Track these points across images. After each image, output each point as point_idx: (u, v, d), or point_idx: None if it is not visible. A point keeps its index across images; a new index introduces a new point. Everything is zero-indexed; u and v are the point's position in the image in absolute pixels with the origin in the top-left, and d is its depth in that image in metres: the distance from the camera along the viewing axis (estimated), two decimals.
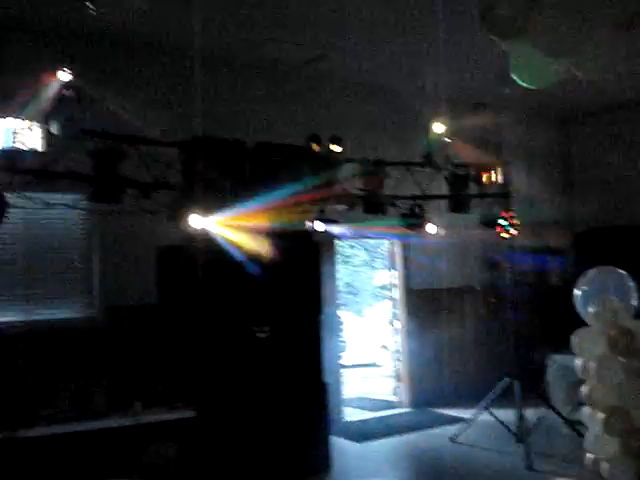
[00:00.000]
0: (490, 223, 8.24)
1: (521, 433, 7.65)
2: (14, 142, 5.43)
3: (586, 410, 5.92)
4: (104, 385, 6.51)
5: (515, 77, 4.49)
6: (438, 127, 7.60)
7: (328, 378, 7.63)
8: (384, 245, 10.99)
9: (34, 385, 6.59)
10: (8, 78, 6.79)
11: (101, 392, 6.37)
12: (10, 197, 5.34)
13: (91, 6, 5.57)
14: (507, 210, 8.13)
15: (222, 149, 6.58)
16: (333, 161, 7.21)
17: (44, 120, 5.59)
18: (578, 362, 5.89)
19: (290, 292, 7.14)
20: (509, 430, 7.99)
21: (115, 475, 5.94)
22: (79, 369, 6.92)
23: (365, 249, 21.11)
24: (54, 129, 5.62)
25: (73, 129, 5.75)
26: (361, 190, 7.49)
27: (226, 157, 6.59)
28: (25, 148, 5.46)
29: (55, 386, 6.32)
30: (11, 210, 5.33)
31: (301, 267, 7.30)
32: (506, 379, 8.04)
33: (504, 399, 8.04)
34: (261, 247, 6.73)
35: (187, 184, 6.42)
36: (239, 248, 6.58)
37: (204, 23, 7.19)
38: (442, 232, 8.28)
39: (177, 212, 6.36)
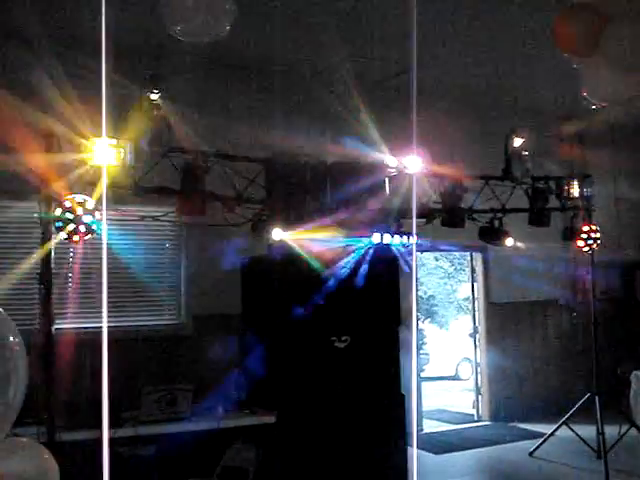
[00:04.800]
0: (571, 237, 8.19)
1: (601, 449, 7.55)
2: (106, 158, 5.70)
3: None
4: (188, 389, 6.72)
5: (586, 94, 4.50)
6: (518, 140, 7.62)
7: (407, 390, 7.68)
8: (468, 258, 10.98)
9: (122, 388, 6.91)
10: (99, 97, 7.21)
11: (185, 396, 6.55)
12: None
13: None
14: (589, 224, 8.07)
15: (302, 165, 6.78)
16: (409, 175, 7.30)
17: (135, 137, 5.88)
18: None
19: (368, 304, 7.25)
20: (589, 446, 7.88)
21: (196, 476, 6.18)
22: (164, 373, 7.25)
23: (450, 261, 20.99)
24: (144, 146, 5.93)
25: (162, 146, 6.08)
26: (439, 203, 7.57)
27: (306, 173, 6.80)
28: (116, 164, 5.72)
29: (141, 389, 6.57)
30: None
31: (379, 279, 7.40)
32: (587, 394, 7.95)
33: (585, 415, 7.93)
34: (340, 260, 6.93)
35: (269, 199, 6.68)
36: (318, 260, 6.78)
37: (285, 41, 7.48)
38: (522, 245, 8.26)
39: (260, 225, 6.65)
